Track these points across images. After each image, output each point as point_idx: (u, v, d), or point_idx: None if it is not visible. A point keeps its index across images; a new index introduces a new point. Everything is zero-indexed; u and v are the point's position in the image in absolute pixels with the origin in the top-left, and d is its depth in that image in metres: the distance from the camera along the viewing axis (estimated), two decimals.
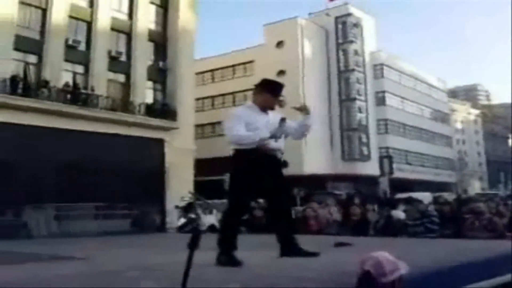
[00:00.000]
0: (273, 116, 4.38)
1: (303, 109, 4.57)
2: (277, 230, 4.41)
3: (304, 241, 5.68)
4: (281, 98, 4.46)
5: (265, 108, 4.39)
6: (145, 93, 24.47)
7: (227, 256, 3.96)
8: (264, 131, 4.18)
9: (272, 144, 4.26)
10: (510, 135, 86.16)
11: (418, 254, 4.61)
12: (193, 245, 1.79)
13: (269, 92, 4.41)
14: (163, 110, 24.41)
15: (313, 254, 4.24)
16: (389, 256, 2.69)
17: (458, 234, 7.35)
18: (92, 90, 21.72)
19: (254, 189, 4.26)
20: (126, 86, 23.82)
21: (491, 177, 67.16)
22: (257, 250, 4.78)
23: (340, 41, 41.74)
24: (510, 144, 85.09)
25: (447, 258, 4.17)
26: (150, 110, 23.77)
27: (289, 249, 4.30)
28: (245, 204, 4.49)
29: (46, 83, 20.05)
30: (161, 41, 25.99)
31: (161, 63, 25.59)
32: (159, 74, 25.61)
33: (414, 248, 5.35)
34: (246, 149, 4.17)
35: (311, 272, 3.40)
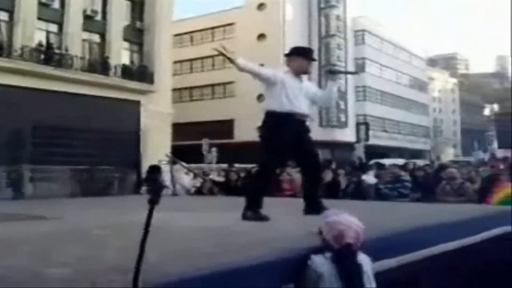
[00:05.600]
0: (307, 84, 4.71)
1: (333, 73, 4.93)
2: (303, 190, 4.79)
3: (278, 203, 5.72)
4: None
5: (299, 72, 4.61)
6: (121, 54, 23.89)
7: (254, 213, 4.25)
8: (299, 97, 4.49)
9: (299, 109, 4.51)
10: (486, 105, 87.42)
11: (390, 216, 4.69)
12: (153, 200, 1.76)
13: (301, 56, 4.66)
14: (139, 72, 23.95)
15: None
16: (354, 219, 2.68)
17: (429, 199, 7.48)
18: (66, 50, 21.17)
19: (283, 152, 4.51)
20: (101, 46, 23.25)
21: (464, 145, 68.27)
22: (231, 211, 4.78)
23: (322, 5, 41.10)
24: (485, 113, 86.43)
25: (417, 220, 4.25)
26: (126, 72, 23.30)
27: (313, 207, 4.46)
28: (274, 165, 4.77)
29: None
30: (138, 0, 25.32)
31: (138, 23, 24.97)
32: (136, 35, 25.03)
33: (386, 210, 5.43)
34: (276, 112, 4.43)
35: (282, 232, 3.44)
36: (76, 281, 1.96)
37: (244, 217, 4.25)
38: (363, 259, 2.56)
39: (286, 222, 4.12)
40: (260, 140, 4.65)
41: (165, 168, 10.94)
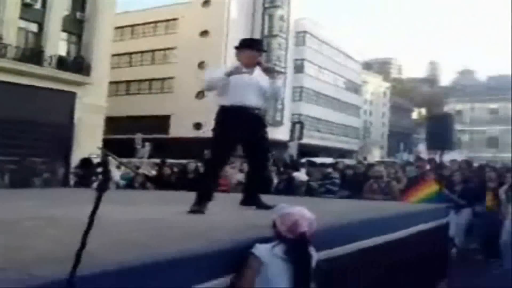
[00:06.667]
0: (259, 75, 4.59)
1: (270, 72, 4.76)
2: (245, 182, 4.91)
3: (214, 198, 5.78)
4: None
5: (248, 65, 4.52)
6: (58, 44, 23.12)
7: (199, 206, 4.23)
8: (249, 90, 4.44)
9: (250, 101, 4.46)
10: (414, 109, 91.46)
11: (321, 211, 4.87)
12: (101, 188, 1.80)
13: (247, 47, 4.61)
14: (76, 63, 23.28)
15: (269, 207, 4.21)
16: (306, 211, 2.79)
17: (357, 196, 7.82)
18: (1, 38, 20.27)
19: (228, 146, 4.52)
20: (38, 36, 22.40)
21: (390, 146, 70.89)
22: (165, 205, 4.82)
23: (267, 5, 41.35)
24: (413, 117, 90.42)
25: (345, 216, 4.44)
26: (63, 63, 22.57)
27: (251, 200, 4.63)
28: (223, 158, 4.70)
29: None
30: None
31: (78, 14, 24.21)
32: (76, 26, 24.26)
33: (317, 206, 5.62)
34: (226, 106, 4.42)
35: (221, 224, 3.53)
36: (9, 270, 1.93)
37: (190, 211, 4.23)
38: (312, 250, 2.65)
39: (223, 215, 4.21)
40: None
41: (96, 161, 10.80)
